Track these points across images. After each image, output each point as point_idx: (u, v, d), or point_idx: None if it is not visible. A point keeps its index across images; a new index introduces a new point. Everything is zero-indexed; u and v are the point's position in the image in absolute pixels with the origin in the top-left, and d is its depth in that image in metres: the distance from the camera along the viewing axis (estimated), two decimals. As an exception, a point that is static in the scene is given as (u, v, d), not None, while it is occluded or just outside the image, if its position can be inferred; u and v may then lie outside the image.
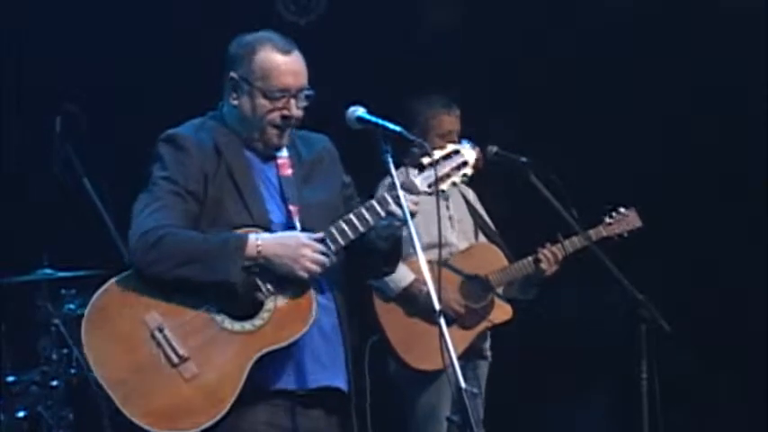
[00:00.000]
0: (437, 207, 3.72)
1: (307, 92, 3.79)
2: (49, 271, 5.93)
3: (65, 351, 5.93)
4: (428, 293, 5.34)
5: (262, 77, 3.75)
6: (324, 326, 3.72)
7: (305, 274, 3.63)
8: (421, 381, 5.57)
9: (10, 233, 6.31)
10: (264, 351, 3.60)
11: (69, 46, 6.59)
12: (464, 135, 5.72)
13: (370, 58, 6.86)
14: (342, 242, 3.68)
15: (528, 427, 7.04)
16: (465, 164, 3.81)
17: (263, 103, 3.75)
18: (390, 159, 3.66)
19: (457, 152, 3.81)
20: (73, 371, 5.91)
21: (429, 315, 5.35)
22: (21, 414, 5.88)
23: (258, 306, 3.64)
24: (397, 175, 3.66)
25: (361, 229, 3.69)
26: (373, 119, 3.71)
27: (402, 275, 5.47)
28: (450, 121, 5.76)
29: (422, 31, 7.08)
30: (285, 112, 3.75)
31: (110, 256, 5.16)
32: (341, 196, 3.87)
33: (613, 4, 6.87)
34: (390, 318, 5.55)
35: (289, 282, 3.65)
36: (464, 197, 5.85)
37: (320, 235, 3.67)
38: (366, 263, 3.89)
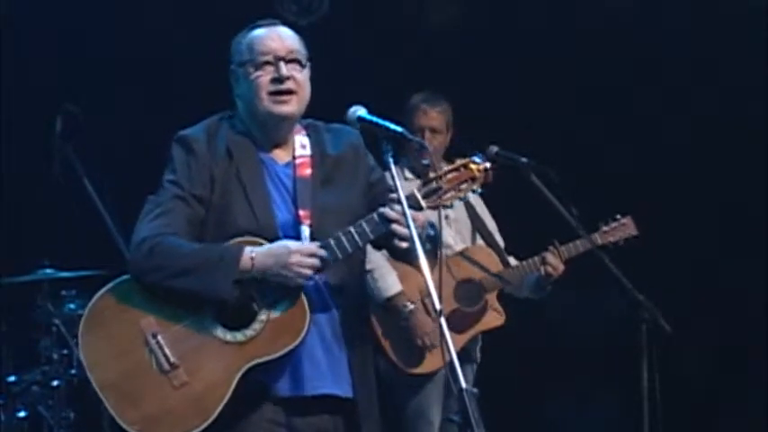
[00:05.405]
0: (439, 214, 3.69)
1: (299, 56, 3.75)
2: (49, 271, 5.94)
3: (65, 351, 5.94)
4: (412, 311, 5.42)
5: (249, 51, 3.76)
6: (325, 333, 3.69)
7: (298, 281, 3.61)
8: (411, 383, 5.55)
9: (10, 233, 6.31)
10: (254, 363, 3.59)
11: (69, 46, 6.59)
12: (463, 134, 5.72)
13: (371, 58, 6.85)
14: (339, 255, 3.64)
15: (528, 428, 7.03)
16: (473, 179, 3.72)
17: (254, 74, 3.73)
18: (391, 159, 3.64)
19: (465, 166, 3.73)
20: (73, 371, 5.91)
21: (410, 331, 5.40)
22: (21, 414, 5.90)
23: (253, 316, 3.63)
24: (397, 175, 3.63)
25: (360, 243, 3.65)
26: (374, 119, 3.68)
27: (389, 284, 5.46)
28: (429, 117, 5.66)
29: (422, 30, 7.07)
30: (274, 75, 3.72)
31: (110, 257, 5.15)
32: (363, 199, 3.80)
33: (613, 4, 6.86)
34: (383, 318, 5.52)
35: (284, 294, 3.63)
36: (463, 198, 5.78)
37: (314, 245, 3.62)
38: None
